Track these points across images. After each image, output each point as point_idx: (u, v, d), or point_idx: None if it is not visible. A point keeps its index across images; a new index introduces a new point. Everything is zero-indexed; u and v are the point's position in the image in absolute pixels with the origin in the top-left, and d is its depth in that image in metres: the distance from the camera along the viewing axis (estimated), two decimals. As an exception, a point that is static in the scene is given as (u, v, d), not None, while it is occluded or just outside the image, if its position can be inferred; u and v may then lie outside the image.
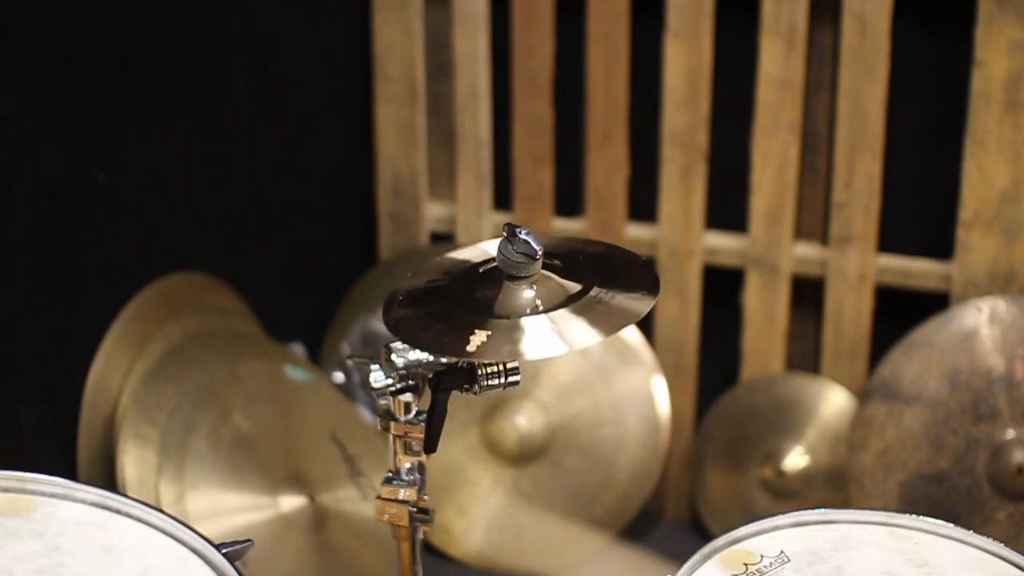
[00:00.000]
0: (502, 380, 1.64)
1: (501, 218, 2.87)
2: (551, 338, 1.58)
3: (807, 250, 2.74)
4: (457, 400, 1.66)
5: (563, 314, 1.60)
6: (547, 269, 1.64)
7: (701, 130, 2.71)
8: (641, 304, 1.63)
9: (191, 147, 2.54)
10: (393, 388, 1.69)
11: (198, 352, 2.44)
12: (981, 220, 2.60)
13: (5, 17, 2.10)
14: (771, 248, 2.73)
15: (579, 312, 1.60)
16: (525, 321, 1.59)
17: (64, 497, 1.58)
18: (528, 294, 1.62)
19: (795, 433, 2.75)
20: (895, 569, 1.61)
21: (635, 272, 1.70)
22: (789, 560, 1.62)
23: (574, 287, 1.64)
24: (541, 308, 1.60)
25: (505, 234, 1.62)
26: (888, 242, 2.70)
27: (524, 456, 2.77)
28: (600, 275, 1.66)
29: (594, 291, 1.63)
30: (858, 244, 2.68)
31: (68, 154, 2.26)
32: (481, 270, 1.68)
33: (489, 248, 1.71)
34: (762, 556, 1.62)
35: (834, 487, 2.70)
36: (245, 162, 2.69)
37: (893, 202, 2.69)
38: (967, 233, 2.62)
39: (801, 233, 2.76)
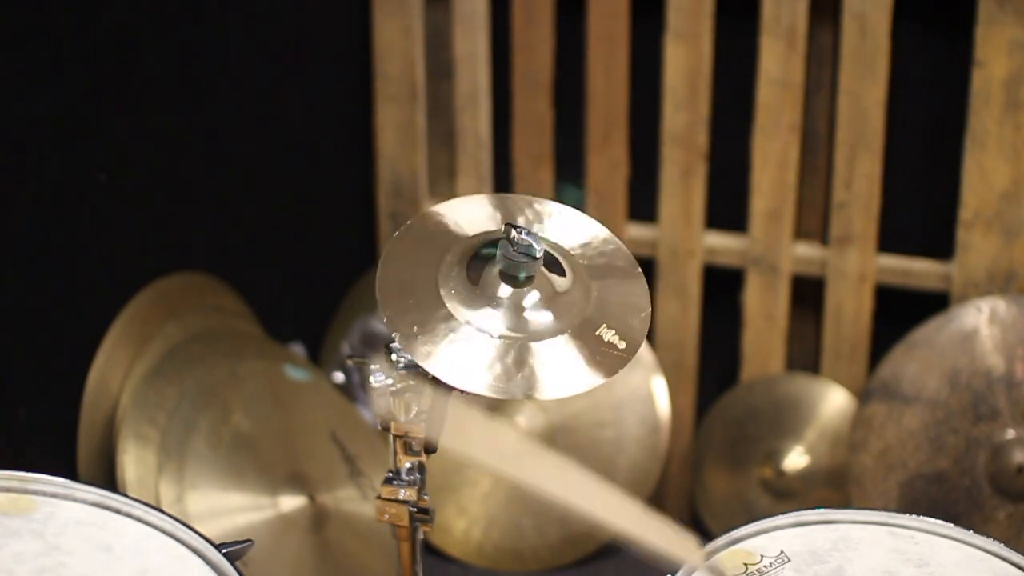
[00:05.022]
0: (502, 380, 1.64)
1: (501, 218, 2.87)
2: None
3: (807, 250, 2.74)
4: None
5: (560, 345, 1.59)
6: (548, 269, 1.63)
7: (701, 130, 2.71)
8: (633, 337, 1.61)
9: (191, 147, 2.54)
10: (393, 388, 1.69)
11: (198, 352, 2.44)
12: (981, 220, 2.61)
13: (5, 17, 2.10)
14: (771, 248, 2.73)
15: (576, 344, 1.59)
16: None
17: (65, 497, 1.58)
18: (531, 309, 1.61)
19: (795, 433, 2.75)
20: (895, 569, 1.61)
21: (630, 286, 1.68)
22: (789, 560, 1.62)
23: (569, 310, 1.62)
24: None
25: (505, 234, 1.61)
26: (888, 242, 2.69)
27: (524, 456, 2.77)
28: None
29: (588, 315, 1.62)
30: (858, 244, 2.68)
31: (68, 154, 2.26)
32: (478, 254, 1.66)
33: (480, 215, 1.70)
34: (762, 556, 1.62)
35: (834, 487, 2.70)
36: (245, 162, 2.69)
37: (893, 202, 2.69)
38: (967, 233, 2.62)
39: (801, 233, 2.76)
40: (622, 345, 1.61)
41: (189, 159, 2.53)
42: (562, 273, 1.64)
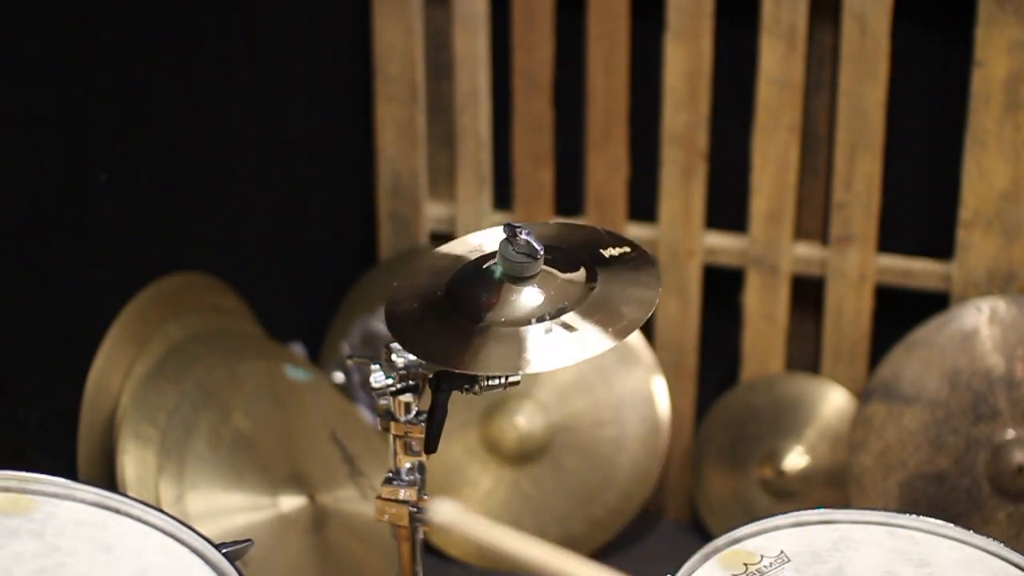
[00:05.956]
0: (502, 380, 1.64)
1: (501, 218, 2.87)
2: (562, 347, 1.57)
3: (807, 250, 2.74)
4: (457, 400, 1.66)
5: (572, 318, 1.60)
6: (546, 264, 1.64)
7: (701, 130, 2.71)
8: (648, 294, 1.63)
9: (191, 147, 2.54)
10: (393, 388, 1.69)
11: (198, 352, 2.44)
12: (981, 220, 2.61)
13: (5, 17, 2.10)
14: (771, 248, 2.73)
15: (587, 314, 1.60)
16: (532, 331, 1.59)
17: (64, 497, 1.58)
18: (534, 297, 1.61)
19: (795, 433, 2.75)
20: (895, 569, 1.61)
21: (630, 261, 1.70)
22: (789, 560, 1.62)
23: (576, 283, 1.63)
24: (551, 326, 1.59)
25: (505, 234, 1.61)
26: (888, 242, 2.70)
27: (524, 456, 2.77)
28: (597, 266, 1.66)
29: (598, 287, 1.63)
30: (858, 244, 2.68)
31: (69, 154, 2.26)
32: (480, 267, 1.66)
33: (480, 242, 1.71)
34: (762, 556, 1.62)
35: (834, 487, 2.70)
36: (245, 162, 2.69)
37: (893, 202, 2.69)
38: (967, 233, 2.62)
39: (801, 233, 2.76)
40: (628, 249, 1.65)
41: (189, 159, 2.53)
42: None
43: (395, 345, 1.68)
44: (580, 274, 1.64)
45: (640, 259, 1.67)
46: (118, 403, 2.34)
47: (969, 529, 1.66)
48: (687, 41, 2.67)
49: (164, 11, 2.43)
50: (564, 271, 1.64)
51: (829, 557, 1.63)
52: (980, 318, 2.56)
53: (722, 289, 2.81)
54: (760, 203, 2.72)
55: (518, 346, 1.57)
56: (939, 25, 2.63)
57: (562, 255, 1.65)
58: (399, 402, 1.70)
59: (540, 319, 1.59)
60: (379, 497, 1.76)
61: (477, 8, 2.76)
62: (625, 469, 2.77)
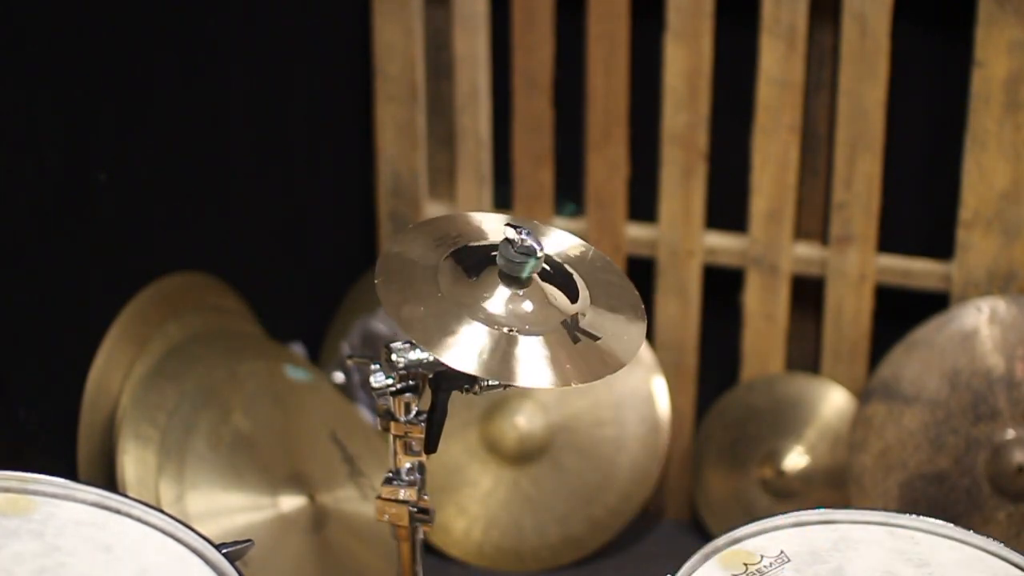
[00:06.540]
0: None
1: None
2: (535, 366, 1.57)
3: (807, 250, 2.74)
4: (457, 400, 1.66)
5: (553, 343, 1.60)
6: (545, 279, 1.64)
7: (701, 130, 2.71)
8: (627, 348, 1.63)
9: (191, 147, 2.54)
10: (393, 388, 1.69)
11: (198, 352, 2.44)
12: (981, 220, 2.61)
13: (5, 17, 2.10)
14: (771, 248, 2.73)
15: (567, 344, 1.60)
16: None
17: (64, 497, 1.58)
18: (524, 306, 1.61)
19: (795, 433, 2.75)
20: (895, 569, 1.61)
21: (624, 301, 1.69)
22: (789, 560, 1.62)
23: (564, 310, 1.63)
24: (511, 331, 1.58)
25: (506, 234, 1.61)
26: (888, 242, 2.70)
27: (524, 456, 2.77)
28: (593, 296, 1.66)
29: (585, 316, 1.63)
30: (858, 244, 2.68)
31: (69, 154, 2.26)
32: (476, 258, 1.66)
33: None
34: (762, 556, 1.62)
35: (834, 487, 2.70)
36: (245, 162, 2.69)
37: (893, 202, 2.69)
38: (967, 233, 2.62)
39: (801, 233, 2.76)
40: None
41: (189, 159, 2.53)
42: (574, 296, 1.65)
43: (395, 345, 1.68)
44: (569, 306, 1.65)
45: (595, 255, 1.67)
46: (118, 403, 2.34)
47: (969, 529, 1.66)
48: (687, 41, 2.67)
49: (164, 11, 2.43)
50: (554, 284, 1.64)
51: (829, 557, 1.63)
52: (980, 318, 2.56)
53: (722, 289, 2.81)
54: (760, 203, 2.72)
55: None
56: (939, 25, 2.63)
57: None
58: (399, 402, 1.70)
59: (564, 323, 1.59)
60: (379, 497, 1.76)
61: (477, 8, 2.77)
62: (625, 469, 2.77)
